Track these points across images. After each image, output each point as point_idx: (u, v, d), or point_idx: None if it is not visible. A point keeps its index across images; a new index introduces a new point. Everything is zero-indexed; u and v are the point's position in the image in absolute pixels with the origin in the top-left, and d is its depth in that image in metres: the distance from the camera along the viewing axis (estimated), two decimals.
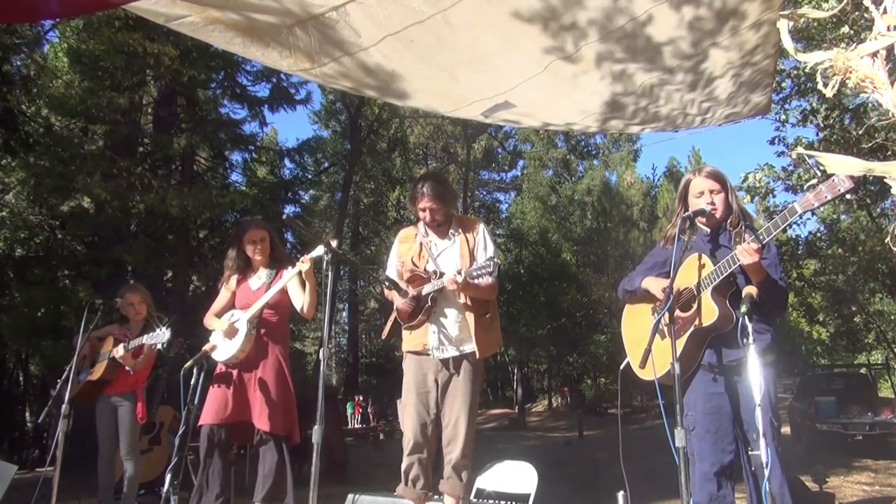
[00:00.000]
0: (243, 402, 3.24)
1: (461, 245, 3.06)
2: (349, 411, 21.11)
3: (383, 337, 3.56)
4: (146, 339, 3.89)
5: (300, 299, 3.28)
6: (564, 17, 2.35)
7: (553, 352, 25.08)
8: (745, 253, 2.20)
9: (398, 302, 3.06)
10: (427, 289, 2.97)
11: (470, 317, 2.96)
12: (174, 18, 2.29)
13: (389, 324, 3.28)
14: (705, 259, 2.43)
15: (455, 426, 2.92)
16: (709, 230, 2.55)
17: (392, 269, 3.20)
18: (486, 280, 2.83)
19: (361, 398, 22.81)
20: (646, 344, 2.53)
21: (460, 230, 3.11)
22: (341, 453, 8.88)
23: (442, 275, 2.94)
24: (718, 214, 2.49)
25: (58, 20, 10.27)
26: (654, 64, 2.68)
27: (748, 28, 2.46)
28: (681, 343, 2.36)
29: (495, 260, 2.82)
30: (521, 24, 2.39)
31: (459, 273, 2.83)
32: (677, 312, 2.42)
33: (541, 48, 2.56)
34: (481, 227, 3.13)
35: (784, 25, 2.07)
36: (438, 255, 3.09)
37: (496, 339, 3.14)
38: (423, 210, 3.02)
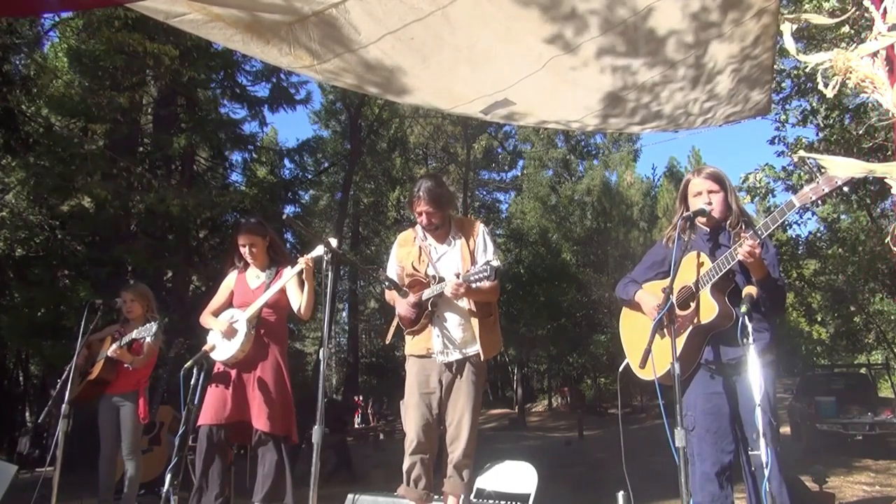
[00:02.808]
0: (242, 402, 3.24)
1: (461, 249, 3.05)
2: None
3: (387, 341, 3.57)
4: (135, 334, 3.90)
5: (297, 300, 3.27)
6: (564, 6, 2.33)
7: (553, 352, 25.06)
8: (746, 250, 2.21)
9: (400, 309, 3.06)
10: (427, 294, 2.96)
11: (474, 319, 2.96)
12: (174, 16, 2.29)
13: (393, 327, 3.27)
14: (704, 257, 2.43)
15: (458, 426, 2.92)
16: (708, 230, 2.55)
17: (392, 272, 3.19)
18: (485, 284, 2.81)
19: (361, 398, 22.79)
20: (644, 344, 2.54)
21: (460, 234, 3.09)
22: (345, 454, 9.20)
23: (441, 279, 2.94)
24: (716, 214, 2.49)
25: (58, 19, 10.28)
26: (656, 58, 2.67)
27: (750, 18, 2.45)
28: (680, 342, 2.36)
29: (492, 263, 2.79)
30: (520, 16, 2.38)
31: (458, 276, 2.83)
32: (676, 311, 2.41)
33: (540, 43, 2.55)
34: (481, 229, 3.11)
35: (787, 28, 2.07)
36: (438, 259, 3.08)
37: (498, 340, 3.14)
38: (420, 214, 3.01)
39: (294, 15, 2.34)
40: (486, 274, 2.74)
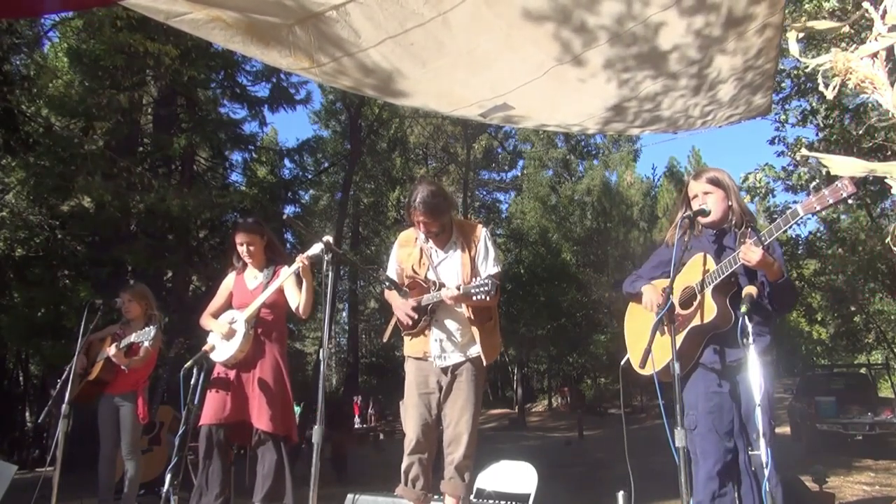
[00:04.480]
0: (242, 402, 3.24)
1: (462, 254, 3.02)
2: None
3: (385, 339, 3.55)
4: (133, 337, 3.91)
5: (296, 298, 3.27)
6: (574, 20, 2.34)
7: (553, 352, 25.08)
8: (749, 252, 2.21)
9: (399, 314, 3.04)
10: (426, 300, 2.95)
11: (473, 323, 2.95)
12: (174, 16, 2.29)
13: (391, 327, 3.27)
14: (710, 261, 2.45)
15: (457, 427, 2.91)
16: (714, 232, 2.56)
17: (392, 272, 3.18)
18: (485, 300, 2.78)
19: (361, 398, 22.80)
20: (645, 340, 2.56)
21: (461, 239, 3.06)
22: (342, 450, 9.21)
23: (441, 286, 2.93)
24: (714, 216, 2.50)
25: (58, 19, 10.28)
26: (659, 70, 2.68)
27: (753, 32, 2.47)
28: (679, 339, 2.38)
29: (494, 280, 2.78)
30: (524, 27, 2.39)
31: (458, 289, 2.81)
32: (677, 310, 2.44)
33: (541, 51, 2.55)
34: (482, 234, 3.08)
35: (793, 36, 2.08)
36: (439, 263, 3.05)
37: (498, 344, 3.13)
38: (418, 224, 2.98)
39: (294, 17, 2.34)
40: (486, 289, 2.73)
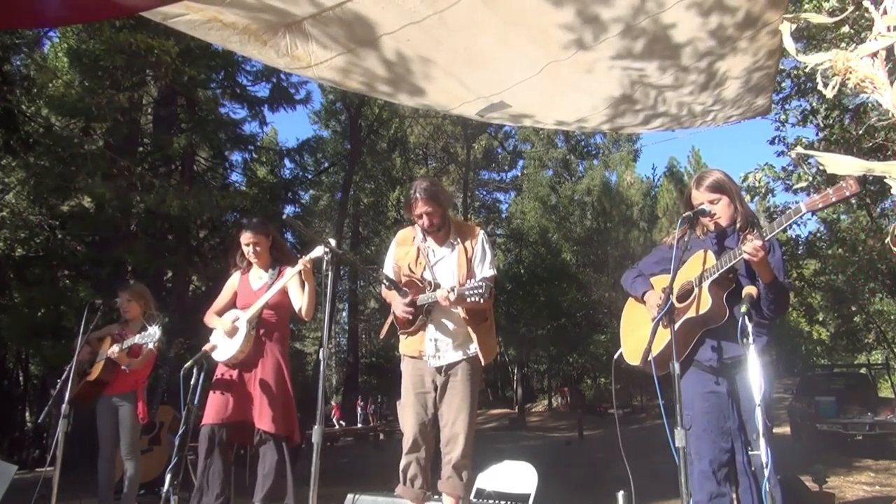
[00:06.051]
0: (244, 402, 3.24)
1: (459, 255, 3.03)
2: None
3: (381, 338, 3.55)
4: (138, 339, 3.90)
5: (299, 300, 3.28)
6: (588, 12, 2.35)
7: (553, 352, 25.10)
8: (750, 248, 2.21)
9: (397, 310, 3.05)
10: (421, 300, 2.95)
11: (468, 324, 2.95)
12: (171, 17, 2.30)
13: (387, 325, 3.27)
14: (710, 256, 2.45)
15: (454, 426, 2.91)
16: (716, 234, 2.56)
17: (389, 270, 3.18)
18: (479, 302, 2.78)
19: (360, 398, 22.80)
20: (637, 332, 2.60)
21: (459, 239, 3.07)
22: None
23: (437, 286, 2.93)
24: (723, 222, 2.51)
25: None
26: (667, 62, 2.68)
27: (766, 34, 2.48)
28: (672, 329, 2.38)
29: (488, 282, 2.78)
30: (522, 24, 2.39)
31: (452, 290, 2.81)
32: (675, 305, 2.44)
33: (540, 48, 2.56)
34: (480, 236, 3.08)
35: (787, 28, 2.07)
36: (436, 262, 3.05)
37: (494, 345, 3.13)
38: (420, 216, 2.98)
39: (291, 16, 2.34)
40: (479, 291, 2.73)
